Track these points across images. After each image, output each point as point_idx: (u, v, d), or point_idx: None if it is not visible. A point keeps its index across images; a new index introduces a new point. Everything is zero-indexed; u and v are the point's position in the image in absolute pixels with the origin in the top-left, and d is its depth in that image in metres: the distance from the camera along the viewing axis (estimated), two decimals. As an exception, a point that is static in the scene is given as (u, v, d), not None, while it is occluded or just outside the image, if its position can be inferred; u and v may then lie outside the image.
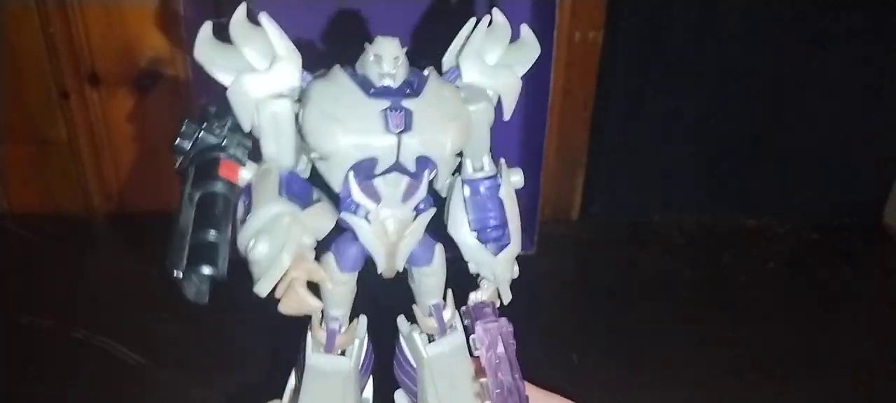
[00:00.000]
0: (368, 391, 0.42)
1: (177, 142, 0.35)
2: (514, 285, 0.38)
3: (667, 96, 0.84)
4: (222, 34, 0.32)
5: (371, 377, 0.41)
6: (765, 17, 0.80)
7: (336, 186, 0.33)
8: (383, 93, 0.31)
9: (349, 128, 0.31)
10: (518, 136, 0.83)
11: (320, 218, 0.33)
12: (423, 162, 0.32)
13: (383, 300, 0.38)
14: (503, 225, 0.36)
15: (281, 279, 0.31)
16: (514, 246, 0.37)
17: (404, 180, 0.33)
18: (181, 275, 0.32)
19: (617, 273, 0.83)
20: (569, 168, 0.89)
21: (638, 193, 0.91)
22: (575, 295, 0.80)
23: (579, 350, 0.69)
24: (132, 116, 0.83)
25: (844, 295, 0.80)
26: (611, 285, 0.81)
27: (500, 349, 0.34)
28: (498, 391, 0.33)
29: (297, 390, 0.38)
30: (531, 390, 0.40)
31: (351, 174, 0.32)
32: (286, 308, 0.31)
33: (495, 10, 0.35)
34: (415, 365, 0.39)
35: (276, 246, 0.31)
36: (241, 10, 0.32)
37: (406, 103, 0.31)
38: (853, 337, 0.73)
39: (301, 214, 0.32)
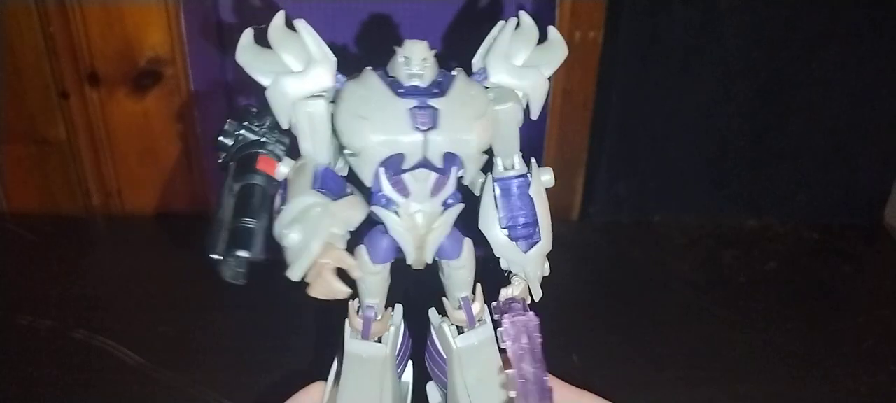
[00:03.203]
0: (408, 375, 0.44)
1: (219, 138, 0.37)
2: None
3: (667, 96, 0.84)
4: (261, 39, 0.34)
5: (411, 362, 0.44)
6: (765, 17, 0.80)
7: (367, 181, 0.34)
8: (411, 92, 0.33)
9: (377, 126, 0.33)
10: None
11: (350, 210, 0.35)
12: (450, 158, 0.34)
13: (420, 292, 0.39)
14: (533, 222, 0.38)
15: (311, 265, 0.33)
16: (545, 244, 0.38)
17: (432, 176, 0.34)
18: (220, 258, 0.35)
19: (617, 273, 0.83)
20: (569, 168, 0.89)
21: (638, 193, 0.91)
22: (575, 295, 0.80)
23: (580, 351, 0.69)
24: (132, 116, 0.83)
25: (844, 295, 0.80)
26: (611, 285, 0.81)
27: (525, 341, 0.35)
28: (521, 381, 0.35)
29: (338, 374, 0.40)
30: (564, 388, 0.42)
31: (381, 169, 0.34)
32: (315, 292, 0.33)
33: (522, 13, 0.37)
34: (445, 356, 0.41)
35: (307, 235, 0.33)
36: (279, 17, 0.34)
37: (433, 102, 0.33)
38: (853, 337, 0.73)
39: (332, 205, 0.34)
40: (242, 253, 0.35)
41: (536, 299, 0.39)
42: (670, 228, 0.90)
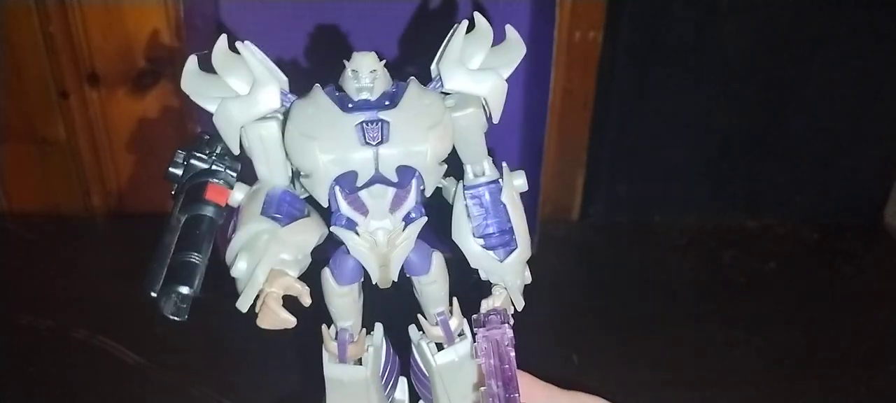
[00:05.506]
0: (403, 391, 0.43)
1: (169, 169, 0.35)
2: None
3: (667, 96, 0.84)
4: (207, 65, 0.33)
5: (403, 379, 0.42)
6: (765, 16, 0.80)
7: (323, 202, 0.33)
8: (360, 107, 0.32)
9: (325, 144, 0.32)
10: (518, 136, 0.83)
11: (302, 234, 0.34)
12: (407, 171, 0.33)
13: (404, 307, 0.38)
14: (507, 229, 0.36)
15: (258, 294, 0.32)
16: (523, 251, 0.36)
17: (390, 191, 0.33)
18: (157, 295, 0.34)
19: (617, 273, 0.83)
20: (569, 168, 0.88)
21: (638, 193, 0.91)
22: (575, 295, 0.80)
23: (579, 351, 0.69)
24: (132, 116, 0.82)
25: (844, 295, 0.80)
26: (611, 285, 0.81)
27: (496, 360, 0.34)
28: (490, 398, 0.33)
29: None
30: (558, 393, 0.40)
31: (337, 188, 0.33)
32: (263, 322, 0.32)
33: (476, 14, 0.35)
34: (427, 374, 0.40)
35: (253, 263, 0.32)
36: (221, 41, 0.33)
37: (383, 115, 0.32)
38: (853, 337, 0.73)
39: (280, 231, 0.33)
40: (183, 290, 0.33)
41: (518, 308, 0.37)
42: (670, 228, 0.90)
